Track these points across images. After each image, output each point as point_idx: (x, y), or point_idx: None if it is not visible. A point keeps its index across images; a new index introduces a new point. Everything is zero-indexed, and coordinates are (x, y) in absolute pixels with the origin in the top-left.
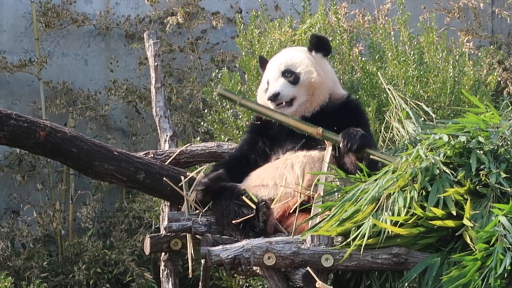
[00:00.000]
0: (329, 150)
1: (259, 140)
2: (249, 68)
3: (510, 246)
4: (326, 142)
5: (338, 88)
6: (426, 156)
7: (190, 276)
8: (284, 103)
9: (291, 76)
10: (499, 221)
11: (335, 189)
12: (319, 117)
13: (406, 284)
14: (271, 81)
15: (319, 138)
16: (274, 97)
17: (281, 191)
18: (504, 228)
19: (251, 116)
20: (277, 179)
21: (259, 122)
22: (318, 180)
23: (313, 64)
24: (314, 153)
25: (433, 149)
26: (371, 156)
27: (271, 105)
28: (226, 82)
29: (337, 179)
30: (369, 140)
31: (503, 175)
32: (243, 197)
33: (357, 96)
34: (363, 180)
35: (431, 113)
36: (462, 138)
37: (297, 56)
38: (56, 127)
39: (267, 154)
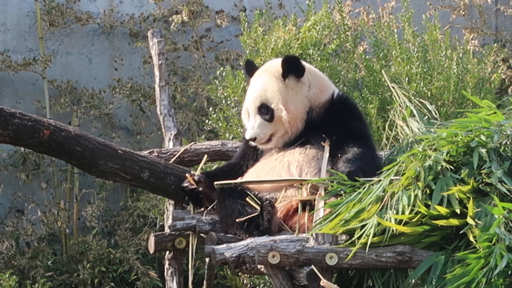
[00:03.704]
0: (327, 150)
1: (251, 149)
2: None
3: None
4: (323, 143)
5: (323, 95)
6: (429, 157)
7: None
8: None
9: (266, 113)
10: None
11: (338, 190)
12: (305, 133)
13: (412, 281)
14: (251, 115)
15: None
16: (253, 141)
17: (283, 191)
18: (504, 228)
19: None
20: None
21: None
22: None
23: (284, 98)
24: (311, 150)
25: (437, 149)
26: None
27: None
28: (230, 80)
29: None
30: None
31: (502, 173)
32: (247, 198)
33: (361, 94)
34: (359, 185)
35: (433, 112)
36: (465, 135)
37: (270, 89)
38: (60, 126)
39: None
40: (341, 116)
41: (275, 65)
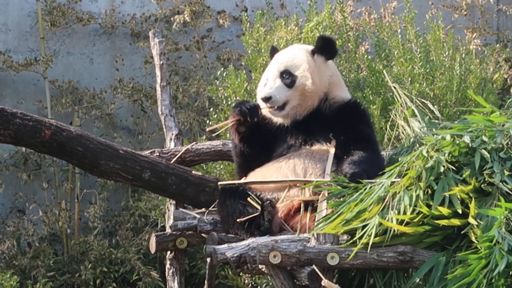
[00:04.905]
0: (332, 151)
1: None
2: (255, 66)
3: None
4: (329, 144)
5: (340, 91)
6: (431, 157)
7: None
8: (276, 107)
9: (288, 78)
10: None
11: (340, 192)
12: (314, 120)
13: (417, 279)
14: (269, 79)
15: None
16: (267, 100)
17: (286, 191)
18: (505, 229)
19: None
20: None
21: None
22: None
23: (311, 68)
24: (317, 152)
25: (439, 150)
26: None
27: (263, 105)
28: (232, 79)
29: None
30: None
31: (506, 173)
32: (248, 198)
33: (363, 95)
34: (361, 187)
35: (436, 112)
36: (466, 138)
37: (298, 58)
38: (61, 126)
39: (270, 148)
40: (352, 119)
41: (303, 45)
